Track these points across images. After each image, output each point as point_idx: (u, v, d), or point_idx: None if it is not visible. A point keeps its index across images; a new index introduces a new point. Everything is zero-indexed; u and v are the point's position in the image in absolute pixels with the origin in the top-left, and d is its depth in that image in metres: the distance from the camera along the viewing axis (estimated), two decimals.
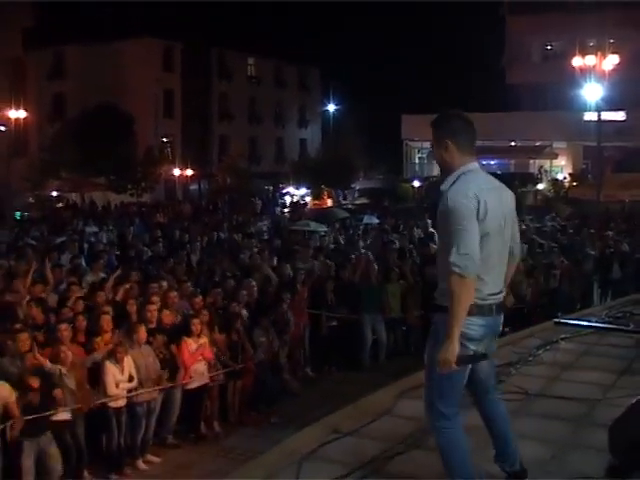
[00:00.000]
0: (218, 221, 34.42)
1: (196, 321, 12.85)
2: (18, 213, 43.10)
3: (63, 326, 11.51)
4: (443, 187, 5.17)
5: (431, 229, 27.35)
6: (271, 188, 66.45)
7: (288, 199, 60.14)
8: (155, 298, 13.64)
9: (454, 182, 5.11)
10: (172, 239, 24.84)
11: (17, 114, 48.58)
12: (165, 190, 62.64)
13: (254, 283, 16.23)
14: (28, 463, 10.18)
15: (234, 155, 62.56)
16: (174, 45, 65.35)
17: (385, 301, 17.51)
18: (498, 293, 5.24)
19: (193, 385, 12.72)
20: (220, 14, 58.97)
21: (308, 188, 62.33)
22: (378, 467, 6.09)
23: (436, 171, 67.41)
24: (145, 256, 20.89)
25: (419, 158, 72.77)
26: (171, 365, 12.52)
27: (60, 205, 48.96)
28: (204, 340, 12.93)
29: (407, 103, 63.36)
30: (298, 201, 57.49)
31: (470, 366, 5.25)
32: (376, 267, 17.75)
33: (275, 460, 6.49)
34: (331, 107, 72.48)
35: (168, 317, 13.27)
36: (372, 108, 66.85)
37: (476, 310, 5.06)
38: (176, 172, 62.68)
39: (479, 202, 4.96)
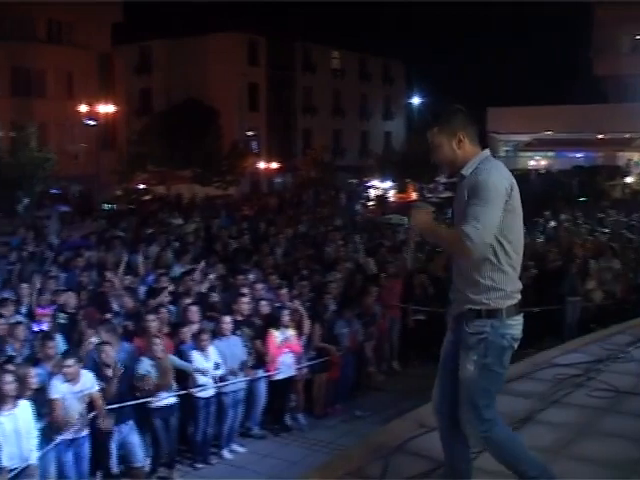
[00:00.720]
0: (303, 214, 34.51)
1: (284, 313, 12.91)
2: (106, 205, 43.81)
3: (151, 317, 11.71)
4: (465, 171, 5.04)
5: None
6: (355, 181, 66.33)
7: (372, 192, 59.95)
8: (245, 290, 13.77)
9: (478, 165, 5.00)
10: (257, 232, 24.98)
11: (106, 108, 49.40)
12: (250, 183, 63.04)
13: (339, 276, 16.27)
14: (114, 448, 10.44)
15: (318, 148, 62.63)
16: (259, 39, 65.62)
17: None
18: (519, 291, 5.13)
19: (279, 377, 12.79)
20: (304, 8, 59.10)
21: (393, 181, 62.05)
22: None
23: (522, 164, 66.66)
24: (230, 248, 21.07)
25: (505, 151, 71.93)
26: (258, 357, 12.62)
27: (147, 198, 49.57)
28: (291, 332, 12.98)
29: (492, 96, 62.79)
30: (382, 194, 57.27)
31: None
32: None
33: (361, 454, 6.48)
34: (415, 100, 72.03)
35: (259, 308, 13.38)
36: (457, 101, 66.11)
37: (515, 310, 5.01)
38: (261, 165, 63.01)
39: (512, 185, 4.89)
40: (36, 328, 12.25)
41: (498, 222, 4.78)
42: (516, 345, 5.03)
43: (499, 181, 4.82)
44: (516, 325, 5.01)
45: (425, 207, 5.08)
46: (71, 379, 9.98)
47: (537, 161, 67.56)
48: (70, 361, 10.07)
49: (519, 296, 5.04)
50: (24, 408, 9.18)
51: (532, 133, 66.32)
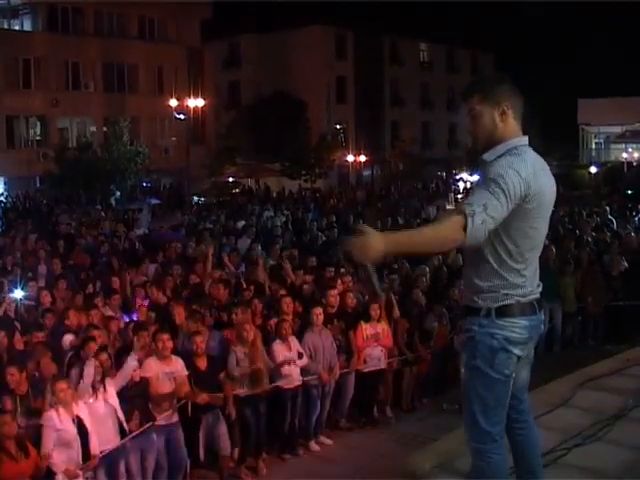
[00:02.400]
0: (392, 207, 34.45)
1: (375, 306, 12.88)
2: (196, 198, 44.39)
3: (240, 309, 11.85)
4: (487, 157, 4.44)
5: (609, 216, 26.57)
6: (444, 174, 65.94)
7: (462, 185, 59.53)
8: (337, 283, 13.79)
9: (503, 154, 4.36)
10: (346, 224, 25.04)
11: (195, 102, 50.04)
12: (338, 176, 63.18)
13: (427, 269, 16.21)
14: (204, 436, 10.61)
15: (406, 141, 62.45)
16: (346, 32, 65.67)
17: (562, 290, 16.97)
18: (537, 287, 4.62)
19: (367, 369, 12.79)
20: (392, 0, 58.87)
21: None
22: (555, 458, 6.00)
23: (614, 156, 65.43)
24: (320, 241, 21.17)
25: (596, 143, 70.77)
26: (348, 350, 12.65)
27: (236, 191, 50.09)
28: (383, 326, 12.96)
29: (583, 87, 61.77)
30: (472, 187, 56.80)
31: (514, 375, 4.58)
32: (554, 252, 17.18)
33: (450, 447, 6.47)
34: None
35: (349, 301, 13.41)
36: (547, 92, 65.43)
37: (519, 310, 4.48)
38: (349, 158, 63.09)
39: (530, 187, 4.24)
40: (127, 319, 12.50)
41: (503, 216, 4.20)
42: (517, 350, 4.48)
43: (512, 181, 4.17)
44: (512, 327, 4.45)
45: (365, 233, 3.98)
46: (162, 358, 10.23)
47: (629, 153, 66.24)
48: (164, 336, 10.34)
49: (523, 298, 4.49)
50: (111, 394, 9.43)
51: (624, 124, 65.12)
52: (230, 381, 10.92)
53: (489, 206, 4.08)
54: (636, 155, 65.79)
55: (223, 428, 10.73)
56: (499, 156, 4.36)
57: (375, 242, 3.94)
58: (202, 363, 10.78)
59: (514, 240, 4.39)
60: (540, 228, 4.49)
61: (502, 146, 4.41)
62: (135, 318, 12.74)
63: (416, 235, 4.31)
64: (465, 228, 4.03)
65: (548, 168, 4.56)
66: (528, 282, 4.52)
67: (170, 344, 10.38)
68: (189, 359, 10.76)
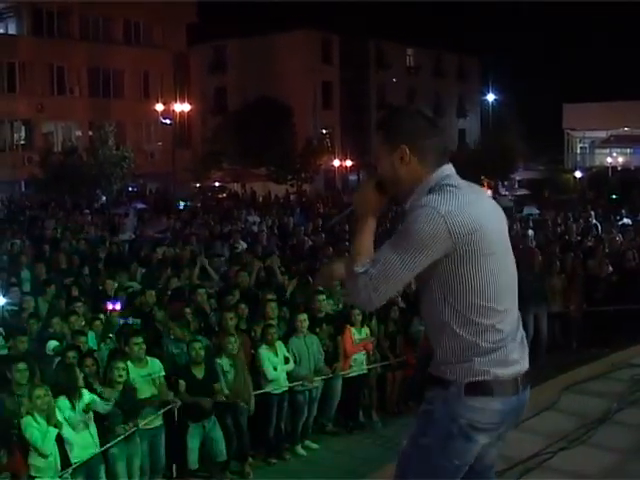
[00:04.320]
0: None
1: (356, 311, 12.91)
2: (182, 203, 44.36)
3: (229, 315, 11.83)
4: (407, 205, 3.64)
5: (594, 221, 26.69)
6: None
7: None
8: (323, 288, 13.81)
9: (420, 197, 3.55)
10: (332, 230, 25.03)
11: (181, 107, 50.04)
12: (325, 180, 63.24)
13: None
14: (193, 444, 10.58)
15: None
16: (332, 37, 65.78)
17: (548, 290, 17.03)
18: (521, 358, 3.69)
19: (352, 374, 12.81)
20: (378, 5, 59.02)
21: (467, 179, 61.60)
22: (540, 462, 6.00)
23: (598, 161, 65.69)
24: (306, 246, 21.17)
25: (581, 148, 71.05)
26: (333, 356, 12.66)
27: (222, 195, 50.11)
28: (367, 331, 13.00)
29: (569, 92, 62.04)
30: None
31: (472, 459, 3.67)
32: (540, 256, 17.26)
33: None
34: (490, 97, 71.47)
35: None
36: (532, 97, 65.75)
37: (494, 388, 3.55)
38: (336, 163, 63.16)
39: (459, 223, 3.43)
40: (122, 321, 12.45)
41: (405, 280, 3.53)
42: (481, 438, 3.59)
43: (430, 226, 3.39)
44: (481, 409, 3.55)
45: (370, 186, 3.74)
46: (137, 360, 10.26)
47: (614, 158, 66.57)
48: (137, 339, 10.32)
49: (504, 370, 3.57)
50: (86, 397, 9.39)
51: (609, 129, 65.39)
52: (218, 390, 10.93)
53: (381, 261, 3.45)
54: (621, 160, 66.13)
55: (219, 434, 10.74)
56: (415, 200, 3.58)
57: (370, 201, 3.72)
58: (199, 372, 10.78)
59: (472, 289, 3.53)
60: (500, 267, 3.61)
61: (424, 186, 3.60)
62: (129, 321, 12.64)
63: (357, 244, 3.66)
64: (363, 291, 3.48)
65: (487, 196, 3.92)
66: (509, 339, 3.62)
67: (144, 347, 10.37)
68: (185, 367, 10.76)
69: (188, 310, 12.36)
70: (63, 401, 9.18)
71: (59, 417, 8.96)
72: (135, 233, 24.64)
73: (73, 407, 9.24)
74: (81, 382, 9.48)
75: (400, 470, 3.79)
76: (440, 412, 3.60)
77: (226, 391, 10.96)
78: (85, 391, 9.46)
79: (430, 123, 3.72)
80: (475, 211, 3.50)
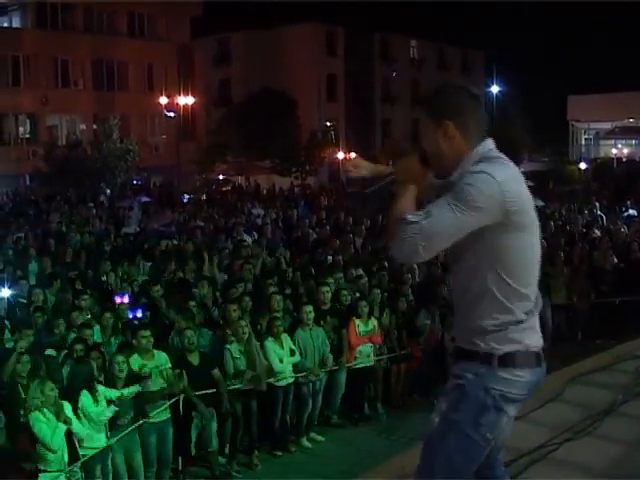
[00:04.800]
0: (382, 204, 34.39)
1: (363, 303, 12.93)
2: (186, 196, 44.34)
3: (232, 307, 11.85)
4: (453, 177, 3.67)
5: (599, 212, 26.67)
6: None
7: None
8: (329, 280, 13.85)
9: (470, 167, 3.59)
10: (337, 222, 25.05)
11: (186, 100, 50.01)
12: (329, 173, 63.19)
13: (415, 266, 16.25)
14: (194, 434, 10.65)
15: (397, 138, 62.45)
16: (337, 29, 65.65)
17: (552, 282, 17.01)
18: (540, 331, 3.78)
19: (358, 366, 12.83)
20: None
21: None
22: (546, 454, 6.01)
23: (603, 152, 65.56)
24: (310, 238, 21.19)
25: (586, 139, 70.90)
26: (338, 348, 12.68)
27: (226, 188, 50.10)
28: (374, 323, 13.01)
29: (573, 84, 61.95)
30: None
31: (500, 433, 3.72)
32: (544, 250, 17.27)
33: None
34: (494, 89, 71.34)
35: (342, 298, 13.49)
36: (537, 89, 65.69)
37: (524, 360, 3.65)
38: (340, 155, 63.11)
39: (510, 191, 3.49)
40: (131, 315, 12.46)
41: (454, 238, 3.51)
42: (511, 410, 3.68)
43: (488, 189, 3.45)
44: (514, 382, 3.63)
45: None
46: (145, 353, 10.31)
47: (619, 149, 66.47)
48: (145, 332, 10.35)
49: (533, 344, 3.68)
50: (100, 391, 9.43)
51: (614, 121, 65.26)
52: (222, 379, 10.95)
53: (433, 214, 3.45)
54: (625, 151, 66.02)
55: (214, 425, 10.78)
56: (465, 171, 3.60)
57: (415, 171, 3.81)
58: (194, 359, 10.81)
59: (516, 257, 3.61)
60: (534, 241, 3.68)
61: (470, 159, 3.66)
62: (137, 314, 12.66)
63: (399, 205, 3.65)
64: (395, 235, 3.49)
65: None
66: (535, 310, 3.69)
67: (151, 339, 10.41)
68: (181, 355, 10.79)
69: (192, 303, 12.41)
70: (86, 396, 9.22)
71: (79, 412, 9.01)
72: (140, 226, 24.66)
73: (96, 401, 9.27)
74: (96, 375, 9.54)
75: (428, 451, 3.80)
76: (472, 385, 3.65)
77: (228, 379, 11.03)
78: (99, 385, 9.51)
79: (474, 99, 3.79)
80: (519, 184, 3.60)
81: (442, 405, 3.76)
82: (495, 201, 3.45)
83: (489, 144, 3.74)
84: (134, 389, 9.78)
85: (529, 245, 3.64)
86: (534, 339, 3.68)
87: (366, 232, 21.91)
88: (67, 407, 8.94)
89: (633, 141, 67.21)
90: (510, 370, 3.62)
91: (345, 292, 13.54)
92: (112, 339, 11.65)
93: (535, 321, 3.70)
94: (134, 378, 10.01)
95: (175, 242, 19.33)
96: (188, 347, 10.81)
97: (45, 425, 8.62)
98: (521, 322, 3.63)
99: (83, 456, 9.13)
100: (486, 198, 3.44)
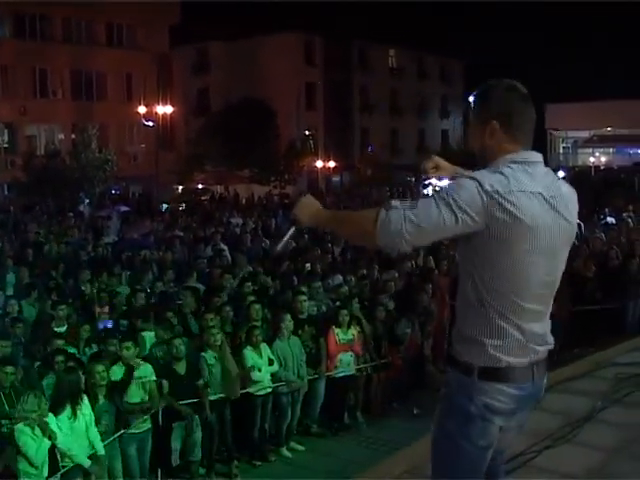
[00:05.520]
0: None
1: (344, 312, 12.93)
2: (165, 205, 44.26)
3: (209, 316, 11.84)
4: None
5: (577, 220, 26.76)
6: (413, 180, 66.21)
7: (430, 190, 59.82)
8: (304, 289, 13.84)
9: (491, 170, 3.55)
10: (315, 230, 25.02)
11: (164, 109, 49.91)
12: (308, 182, 63.23)
13: (397, 275, 16.26)
14: (176, 445, 10.59)
15: (376, 147, 62.59)
16: (315, 38, 65.77)
17: None
18: (541, 345, 3.67)
19: (338, 375, 12.82)
20: (361, 6, 59.09)
21: (451, 179, 61.85)
22: (525, 461, 6.01)
23: (581, 161, 65.94)
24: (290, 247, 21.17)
25: (564, 148, 71.31)
26: (316, 357, 12.67)
27: (205, 198, 50.05)
28: (354, 332, 13.00)
29: (551, 92, 62.23)
30: None
31: (495, 441, 3.69)
32: None
33: (420, 452, 6.47)
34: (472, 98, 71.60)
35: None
36: None
37: (508, 375, 3.56)
38: (318, 164, 63.18)
39: (507, 203, 3.36)
40: (101, 326, 12.44)
41: (435, 235, 3.45)
42: (498, 420, 3.60)
43: (469, 192, 3.37)
44: (498, 395, 3.56)
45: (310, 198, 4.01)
46: (128, 364, 10.25)
47: (597, 157, 66.92)
48: (127, 343, 10.32)
49: (517, 359, 3.56)
50: (86, 404, 9.36)
51: (592, 129, 65.67)
52: (204, 387, 10.92)
53: (418, 207, 3.39)
54: (603, 159, 66.46)
55: (198, 435, 10.74)
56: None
57: (310, 202, 3.92)
58: (181, 368, 10.77)
59: (500, 276, 3.49)
60: (539, 264, 3.53)
61: (493, 165, 3.59)
62: (108, 325, 12.65)
63: (340, 214, 3.94)
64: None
65: (565, 192, 3.68)
66: (524, 333, 3.57)
67: (135, 350, 10.40)
68: (167, 364, 10.75)
69: (171, 314, 12.39)
70: (63, 411, 9.14)
71: (54, 428, 8.92)
72: (118, 236, 24.58)
73: (74, 414, 9.18)
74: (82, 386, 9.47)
75: (433, 456, 3.81)
76: (457, 394, 3.63)
77: (208, 387, 10.99)
78: (85, 397, 9.44)
79: (523, 101, 3.70)
80: (526, 202, 3.42)
81: (437, 411, 3.76)
82: (473, 210, 3.35)
83: (525, 155, 3.61)
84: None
85: (524, 266, 3.49)
86: (522, 359, 3.57)
87: (345, 241, 21.86)
88: (51, 420, 8.87)
89: (611, 149, 67.70)
90: (491, 384, 3.56)
91: (324, 301, 13.59)
92: (86, 350, 11.58)
93: (526, 341, 3.57)
94: (116, 389, 9.97)
95: (154, 252, 19.26)
96: (176, 355, 10.78)
97: (30, 439, 8.55)
98: (501, 343, 3.54)
99: (63, 467, 9.05)
100: (465, 204, 3.34)
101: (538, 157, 3.62)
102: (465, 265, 3.59)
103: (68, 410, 9.14)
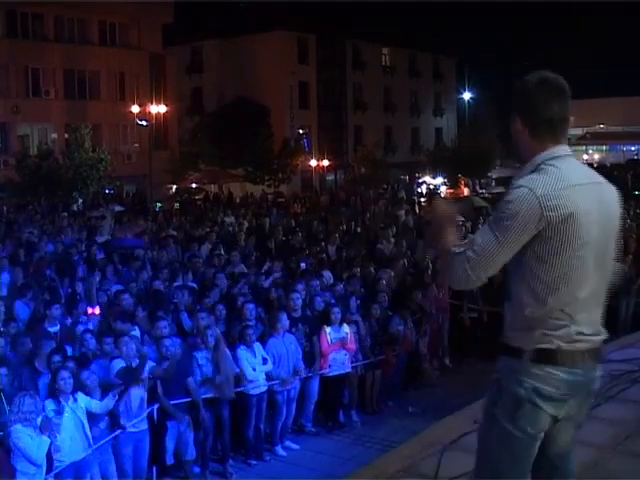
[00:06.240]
0: (356, 211, 34.49)
1: (335, 310, 12.93)
2: (159, 205, 44.19)
3: (202, 314, 11.87)
4: (515, 180, 3.74)
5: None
6: (407, 178, 66.25)
7: (424, 188, 59.90)
8: (299, 287, 13.85)
9: (531, 172, 3.70)
10: (310, 229, 25.06)
11: (158, 109, 49.81)
12: (302, 180, 63.21)
13: (392, 273, 16.28)
14: (170, 444, 10.58)
15: (369, 145, 62.56)
16: (308, 37, 65.69)
17: None
18: (593, 335, 3.76)
19: (333, 373, 12.82)
20: (354, 5, 58.97)
21: (444, 177, 61.97)
22: None
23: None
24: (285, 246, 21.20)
25: None
26: (310, 355, 12.68)
27: (199, 197, 50.00)
28: (347, 330, 13.00)
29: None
30: (433, 190, 57.21)
31: (543, 433, 3.73)
32: None
33: (415, 450, 6.48)
34: (466, 95, 71.72)
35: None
36: (507, 96, 65.81)
37: (558, 357, 3.64)
38: (312, 163, 63.16)
39: (551, 206, 3.51)
40: (91, 326, 12.42)
41: (503, 255, 3.58)
42: (548, 407, 3.66)
43: (524, 208, 3.53)
44: (546, 378, 3.64)
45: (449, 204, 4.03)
46: (128, 359, 10.25)
47: (590, 155, 67.02)
48: (126, 339, 10.37)
49: (567, 344, 3.66)
50: (82, 400, 9.35)
51: (584, 127, 65.70)
52: (194, 386, 10.91)
53: (476, 241, 3.59)
54: (597, 157, 66.61)
55: (191, 433, 10.73)
56: (526, 175, 3.71)
57: (449, 209, 3.91)
58: (172, 367, 10.76)
59: (551, 271, 3.62)
60: (585, 256, 3.64)
61: (530, 165, 3.74)
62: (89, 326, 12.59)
63: (450, 239, 3.78)
64: (466, 272, 3.61)
65: (597, 181, 3.82)
66: (576, 324, 3.67)
67: (133, 346, 10.40)
68: (157, 363, 10.75)
69: (161, 313, 12.40)
70: (49, 405, 9.14)
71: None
72: (112, 235, 24.52)
73: (60, 411, 9.17)
74: (74, 385, 9.43)
75: (479, 444, 3.88)
76: (507, 379, 3.70)
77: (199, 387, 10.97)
78: (80, 395, 9.42)
79: (555, 94, 3.74)
80: (574, 196, 3.57)
81: (485, 399, 3.85)
82: (533, 218, 3.52)
83: (559, 150, 3.73)
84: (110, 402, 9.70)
85: (575, 258, 3.62)
86: (573, 345, 3.66)
87: (340, 240, 21.91)
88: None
89: (604, 147, 67.82)
90: (542, 366, 3.64)
91: (319, 299, 13.58)
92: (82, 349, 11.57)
93: (579, 328, 3.68)
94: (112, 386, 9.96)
95: (148, 251, 19.24)
96: (164, 355, 10.76)
97: (29, 439, 8.56)
98: (554, 329, 3.65)
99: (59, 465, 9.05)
100: (524, 217, 3.51)
101: (568, 151, 3.75)
102: (518, 267, 3.68)
103: (53, 406, 9.14)
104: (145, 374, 10.06)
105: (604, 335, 3.82)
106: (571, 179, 3.60)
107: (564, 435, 3.85)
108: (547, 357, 3.63)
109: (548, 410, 3.66)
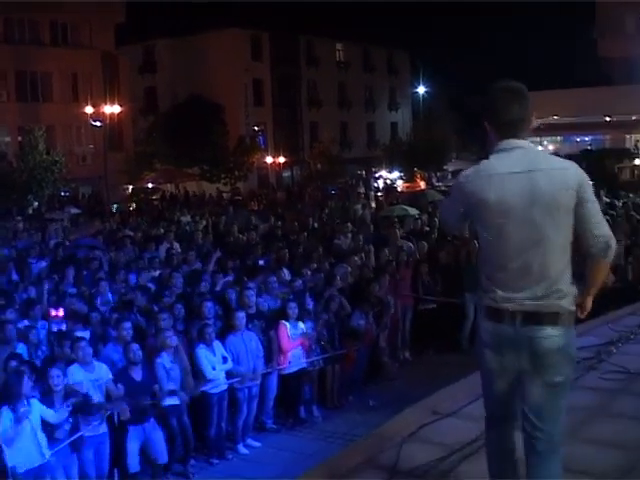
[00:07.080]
0: (313, 207, 34.52)
1: (292, 305, 12.91)
2: (115, 205, 43.95)
3: (164, 315, 11.76)
4: None
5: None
6: (364, 173, 66.39)
7: (381, 183, 60.06)
8: (252, 284, 13.82)
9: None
10: (268, 225, 25.05)
11: (112, 109, 49.48)
12: (258, 178, 63.16)
13: (349, 268, 16.26)
14: (133, 447, 10.46)
15: (325, 141, 62.64)
16: (262, 34, 65.62)
17: None
18: (527, 299, 4.38)
19: (291, 370, 12.81)
20: (307, 1, 58.96)
21: (400, 171, 62.16)
22: (479, 448, 6.04)
23: None
24: (241, 243, 21.14)
25: None
26: (268, 351, 12.65)
27: (155, 197, 49.78)
28: (302, 326, 12.99)
29: (496, 82, 62.70)
30: (390, 185, 57.39)
31: (509, 377, 4.57)
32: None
33: (375, 443, 6.49)
34: (421, 89, 71.95)
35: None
36: (462, 89, 66.32)
37: (486, 313, 4.52)
38: (268, 160, 63.10)
39: (472, 194, 4.36)
40: (55, 328, 12.29)
41: (451, 210, 4.74)
42: (488, 352, 4.55)
43: (456, 184, 4.64)
44: (482, 328, 4.59)
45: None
46: (85, 364, 10.11)
47: (545, 146, 67.46)
48: (83, 343, 10.20)
49: (494, 302, 4.47)
50: (36, 407, 9.23)
51: (538, 118, 66.15)
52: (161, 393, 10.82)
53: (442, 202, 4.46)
54: (551, 147, 66.99)
55: (160, 436, 10.64)
56: None
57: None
58: (137, 374, 10.65)
59: (481, 242, 4.56)
60: (507, 228, 4.31)
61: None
62: (62, 327, 12.48)
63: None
64: None
65: (530, 168, 4.32)
66: (501, 288, 4.41)
67: (90, 350, 10.27)
68: (123, 370, 10.65)
69: (117, 315, 12.30)
70: (7, 412, 9.00)
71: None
72: (68, 238, 24.33)
73: (16, 418, 9.03)
74: (29, 391, 9.29)
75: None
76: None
77: (166, 391, 10.88)
78: (34, 401, 9.29)
79: (506, 96, 4.46)
80: (489, 184, 4.33)
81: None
82: (460, 195, 4.52)
83: (502, 144, 4.46)
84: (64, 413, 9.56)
85: (496, 235, 4.37)
86: (498, 299, 4.45)
87: (297, 236, 21.90)
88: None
89: (558, 137, 68.31)
90: (483, 319, 4.59)
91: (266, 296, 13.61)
92: (39, 353, 11.45)
93: (506, 291, 4.41)
94: (73, 392, 9.82)
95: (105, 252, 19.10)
96: (133, 360, 10.64)
97: None
98: (487, 287, 4.51)
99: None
100: (452, 194, 4.69)
101: (518, 144, 4.41)
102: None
103: (11, 414, 9.00)
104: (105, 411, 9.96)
105: (545, 301, 4.33)
106: (496, 169, 4.34)
107: (533, 390, 4.45)
108: (484, 312, 4.51)
109: (487, 354, 4.53)
